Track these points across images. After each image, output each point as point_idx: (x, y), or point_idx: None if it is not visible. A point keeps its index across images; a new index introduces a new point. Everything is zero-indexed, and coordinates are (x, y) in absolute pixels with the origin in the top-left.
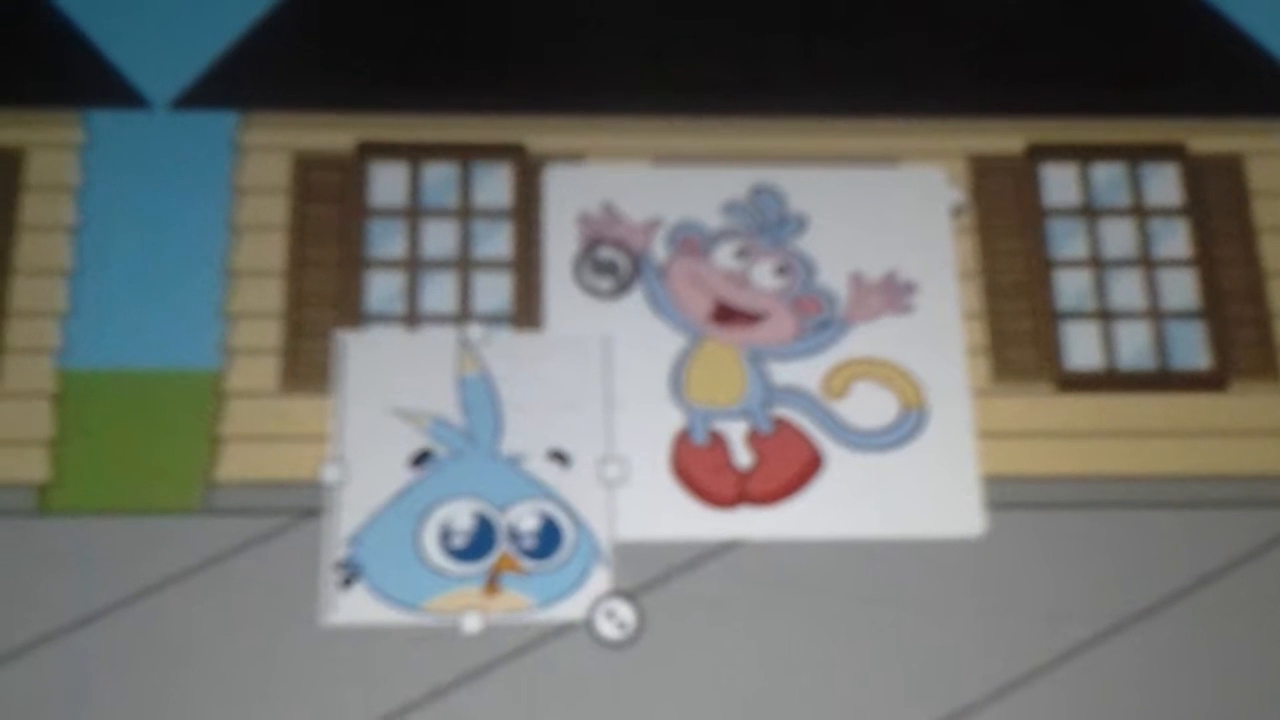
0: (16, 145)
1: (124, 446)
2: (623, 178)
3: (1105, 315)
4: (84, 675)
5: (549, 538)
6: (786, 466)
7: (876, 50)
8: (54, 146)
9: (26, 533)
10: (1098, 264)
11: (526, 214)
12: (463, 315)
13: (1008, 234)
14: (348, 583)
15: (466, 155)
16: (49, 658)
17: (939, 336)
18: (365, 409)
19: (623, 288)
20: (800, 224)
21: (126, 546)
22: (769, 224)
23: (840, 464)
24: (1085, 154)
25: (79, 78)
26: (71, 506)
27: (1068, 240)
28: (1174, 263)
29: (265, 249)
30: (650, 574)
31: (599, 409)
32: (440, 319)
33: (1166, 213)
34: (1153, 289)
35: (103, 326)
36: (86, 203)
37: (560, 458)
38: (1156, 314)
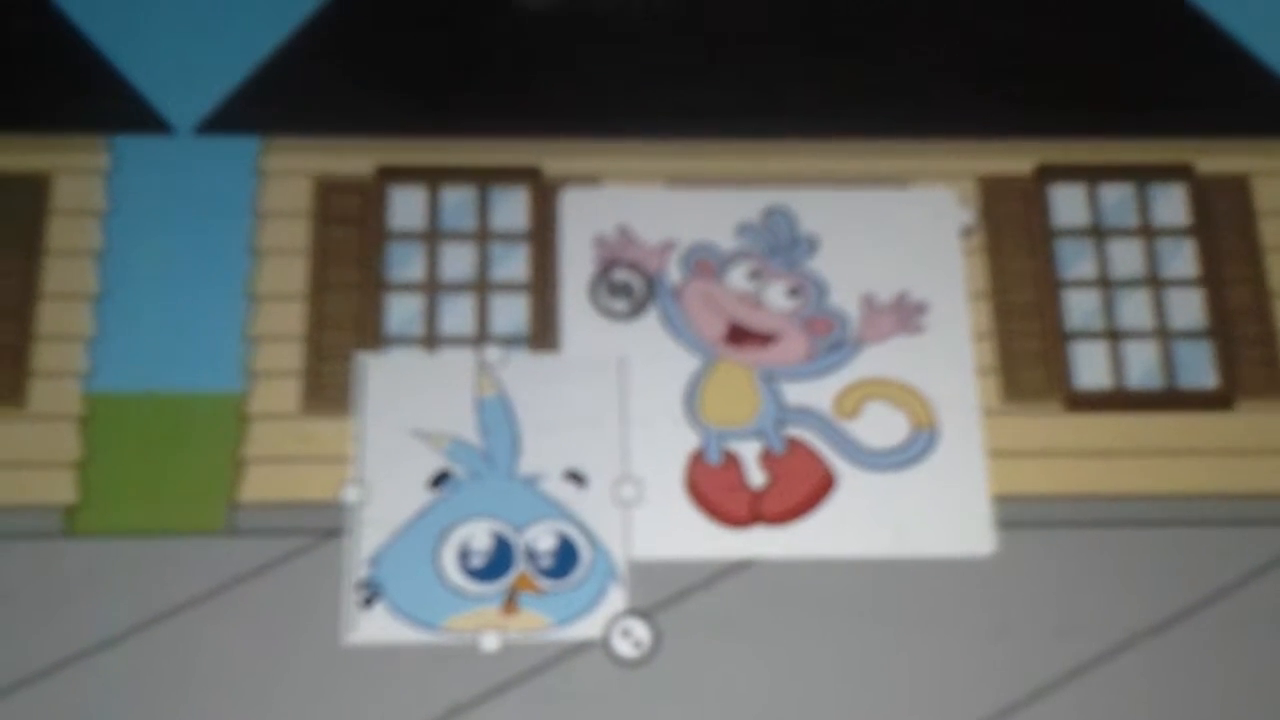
0: (43, 171)
1: (149, 468)
2: (637, 200)
3: (1114, 335)
4: (110, 694)
5: (566, 557)
6: (799, 486)
7: (887, 73)
8: (79, 172)
9: (53, 554)
10: (1106, 284)
11: (543, 236)
12: (480, 337)
13: (1017, 254)
14: (368, 602)
15: (484, 179)
16: (76, 677)
17: (949, 357)
18: (385, 430)
19: (638, 309)
20: (812, 245)
21: (151, 567)
22: (781, 245)
23: (852, 483)
24: (1094, 175)
25: (104, 104)
26: (97, 528)
27: (1076, 260)
28: (1181, 282)
29: (287, 272)
30: (665, 593)
31: (614, 429)
32: (458, 341)
33: (1174, 233)
34: (1160, 308)
35: (128, 350)
36: (111, 227)
37: (576, 478)
38: (1164, 333)
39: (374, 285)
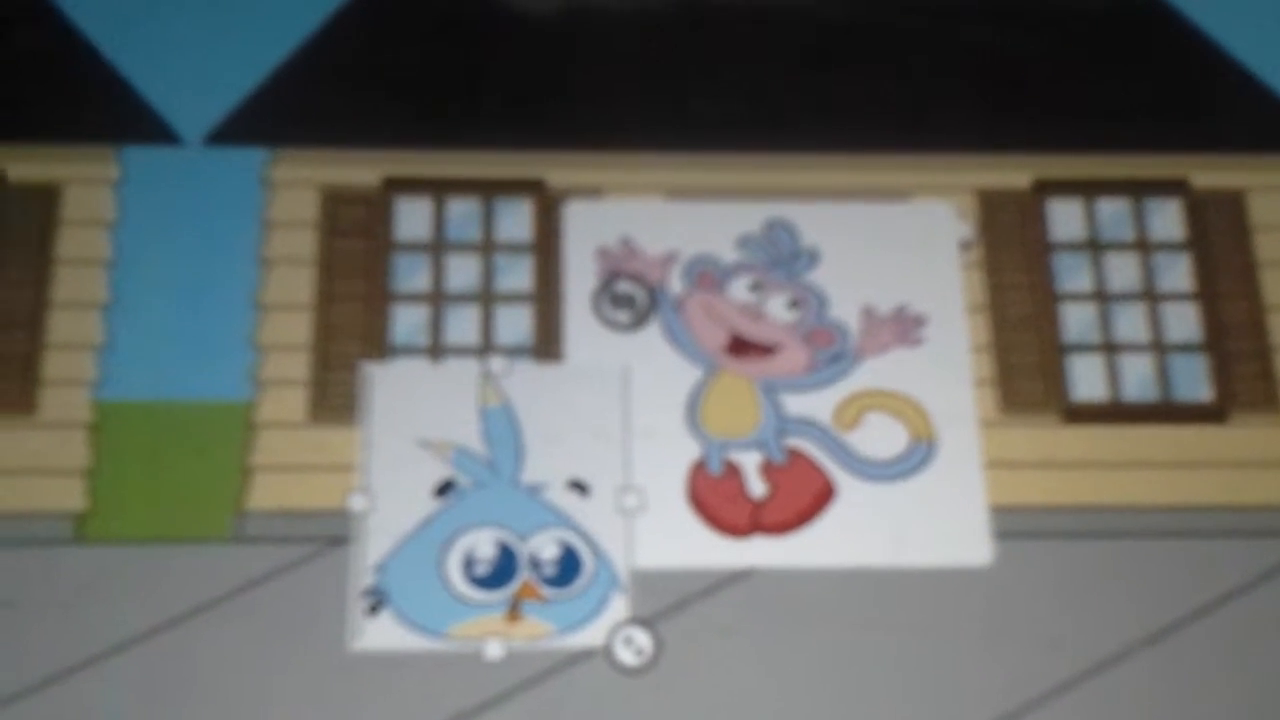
0: (53, 181)
1: (157, 476)
2: (640, 213)
3: (1110, 348)
4: (119, 699)
5: (569, 566)
6: (799, 496)
7: (887, 88)
8: (90, 182)
9: (63, 560)
10: (1102, 297)
11: (547, 248)
12: (485, 347)
13: (1015, 268)
14: (374, 609)
15: (489, 191)
16: (86, 682)
17: (948, 369)
18: (391, 439)
19: (640, 320)
20: (813, 258)
21: (160, 573)
22: (782, 258)
23: (852, 494)
24: (1090, 189)
25: (114, 115)
26: (106, 535)
27: (1073, 274)
28: (1177, 296)
29: (294, 282)
30: (667, 601)
31: (617, 439)
32: (463, 351)
33: (1170, 247)
34: (1156, 322)
35: (137, 359)
36: (121, 237)
37: (580, 487)
38: (1160, 347)
39: (380, 296)
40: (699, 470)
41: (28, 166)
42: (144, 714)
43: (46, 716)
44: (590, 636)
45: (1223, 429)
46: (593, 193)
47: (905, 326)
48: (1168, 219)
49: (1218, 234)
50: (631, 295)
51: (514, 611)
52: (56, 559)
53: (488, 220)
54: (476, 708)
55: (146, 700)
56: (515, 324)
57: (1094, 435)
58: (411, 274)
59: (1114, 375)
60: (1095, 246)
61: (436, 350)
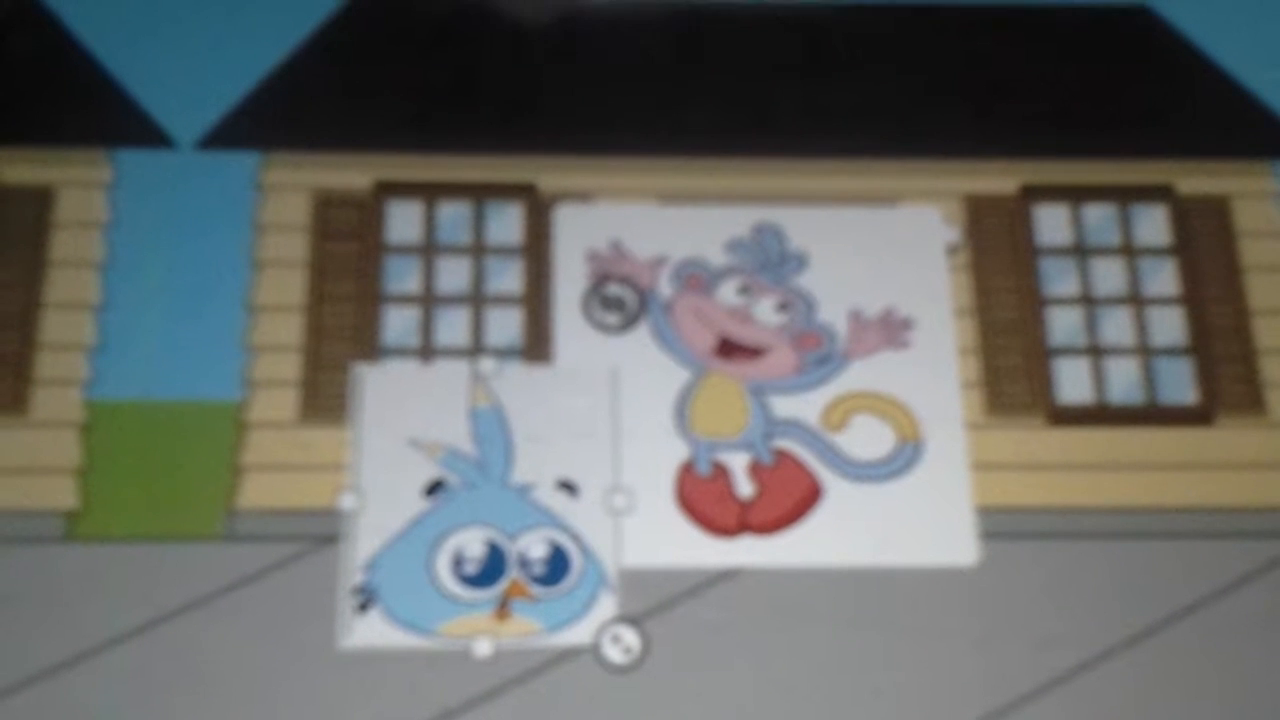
0: (47, 184)
1: (149, 475)
2: (630, 217)
3: (1096, 351)
4: (110, 696)
5: (557, 565)
6: (787, 497)
7: (876, 95)
8: (83, 185)
9: (55, 558)
10: (1088, 301)
11: (537, 251)
12: (475, 349)
13: (1002, 272)
14: (363, 607)
15: (479, 194)
16: (77, 679)
17: (935, 371)
18: (381, 439)
19: (629, 323)
20: (801, 262)
21: (151, 571)
22: (771, 262)
23: (839, 494)
24: (1077, 195)
25: (107, 119)
26: (98, 533)
27: (1059, 278)
28: (1162, 301)
29: (286, 284)
30: (654, 600)
31: (606, 440)
32: (454, 352)
33: (1155, 252)
34: (1142, 326)
35: (129, 359)
36: (114, 239)
37: (568, 487)
38: (1145, 350)
39: (371, 297)
40: (687, 471)
41: (22, 169)
42: (136, 710)
43: (39, 713)
44: (578, 635)
45: (1207, 431)
46: (583, 196)
47: (892, 329)
48: (1153, 224)
49: (1203, 239)
50: (621, 298)
51: (503, 610)
52: (49, 557)
53: (478, 223)
54: (465, 705)
55: (138, 696)
56: (505, 326)
57: (1080, 437)
58: (402, 276)
59: (1100, 378)
60: (1081, 251)
61: (427, 351)
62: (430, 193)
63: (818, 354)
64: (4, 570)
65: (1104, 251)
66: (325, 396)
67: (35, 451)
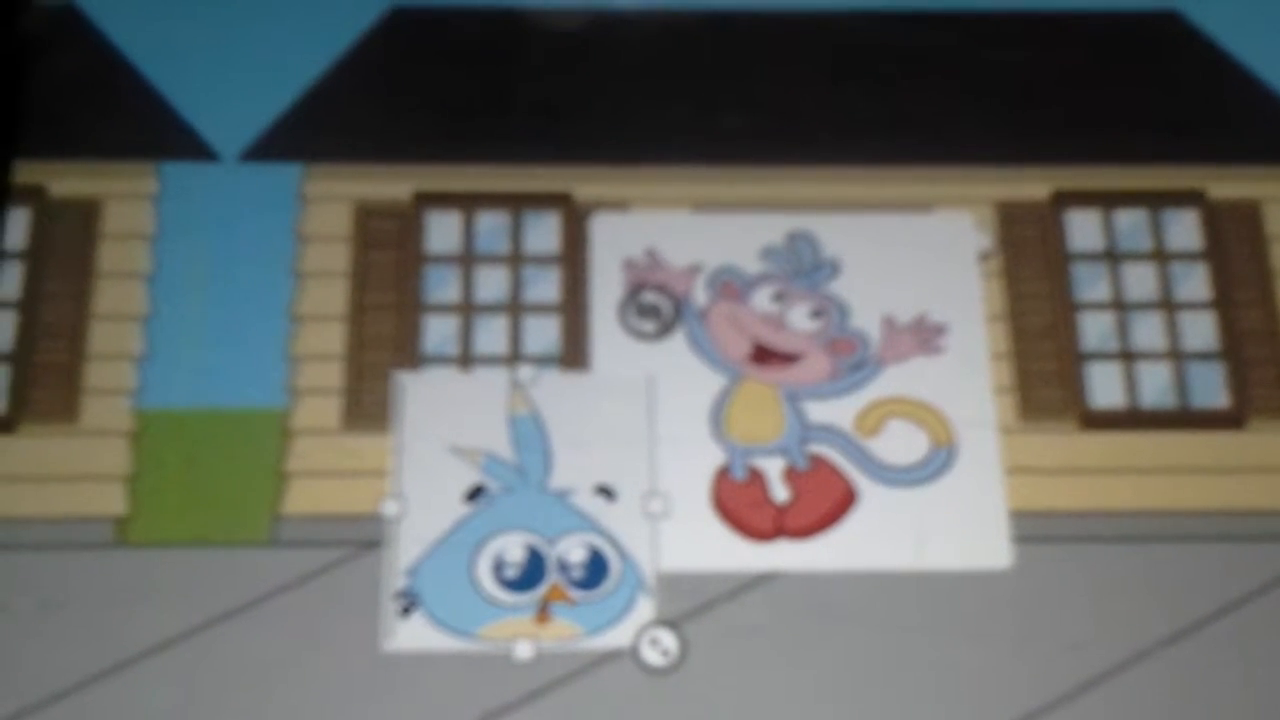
0: (94, 196)
1: (196, 482)
2: (665, 225)
3: (1127, 356)
4: (158, 699)
5: (596, 569)
6: (822, 501)
7: (908, 102)
8: (129, 197)
9: (105, 564)
10: (1120, 306)
11: (574, 260)
12: (514, 357)
13: (1034, 278)
14: (406, 611)
15: (517, 204)
16: (126, 682)
17: (968, 376)
18: (422, 446)
19: (665, 330)
20: (834, 269)
21: (198, 576)
22: (805, 269)
23: (873, 499)
24: (1108, 200)
25: (152, 133)
26: (147, 539)
27: (1091, 283)
28: (1194, 305)
29: (328, 294)
30: (692, 604)
31: (643, 446)
32: (492, 360)
33: (1187, 257)
34: (1173, 330)
35: (176, 368)
36: (160, 250)
37: (606, 492)
38: (1177, 355)
39: (411, 307)
40: (723, 476)
41: (69, 182)
42: (182, 713)
43: (88, 715)
44: (617, 638)
45: (1239, 435)
46: (619, 205)
47: (926, 335)
48: (1185, 229)
49: (1234, 244)
50: (657, 306)
51: (543, 613)
52: (98, 562)
53: (516, 233)
54: (506, 707)
55: (184, 699)
56: (543, 334)
57: (1112, 441)
58: (442, 285)
59: (1132, 382)
60: (1113, 256)
61: (466, 359)
62: (468, 203)
63: (851, 360)
64: (55, 575)
65: (1135, 256)
66: (367, 404)
67: (85, 459)
